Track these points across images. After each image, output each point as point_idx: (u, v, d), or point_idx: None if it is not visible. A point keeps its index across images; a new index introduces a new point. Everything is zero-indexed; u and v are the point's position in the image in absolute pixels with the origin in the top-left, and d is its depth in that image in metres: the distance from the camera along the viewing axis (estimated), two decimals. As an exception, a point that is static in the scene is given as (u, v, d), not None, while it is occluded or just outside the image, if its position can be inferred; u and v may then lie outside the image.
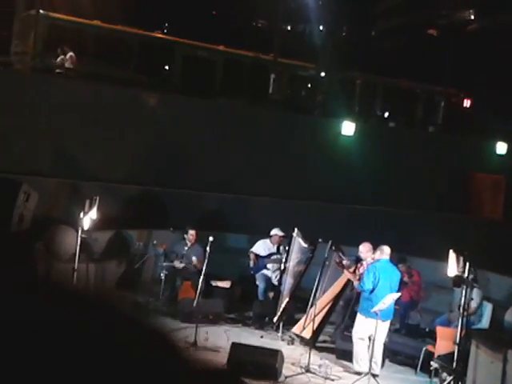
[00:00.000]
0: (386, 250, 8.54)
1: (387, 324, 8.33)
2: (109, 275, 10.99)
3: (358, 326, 8.34)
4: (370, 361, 8.00)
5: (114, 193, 12.09)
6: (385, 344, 8.81)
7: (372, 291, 8.26)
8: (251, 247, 11.15)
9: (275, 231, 11.03)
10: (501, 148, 16.25)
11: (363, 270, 8.67)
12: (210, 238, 8.95)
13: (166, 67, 19.43)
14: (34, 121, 12.75)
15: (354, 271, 8.80)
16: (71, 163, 12.77)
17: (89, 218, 8.26)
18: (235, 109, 15.69)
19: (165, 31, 21.42)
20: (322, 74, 20.57)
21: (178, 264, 10.56)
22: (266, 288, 10.76)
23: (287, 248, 10.29)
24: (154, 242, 10.53)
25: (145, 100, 14.38)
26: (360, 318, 8.38)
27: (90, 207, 8.26)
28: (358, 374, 8.08)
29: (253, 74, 18.98)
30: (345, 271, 9.01)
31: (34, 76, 14.45)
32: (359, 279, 8.51)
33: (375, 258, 8.56)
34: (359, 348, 8.28)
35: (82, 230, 8.20)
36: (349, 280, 8.95)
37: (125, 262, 11.30)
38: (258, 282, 10.86)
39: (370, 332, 8.13)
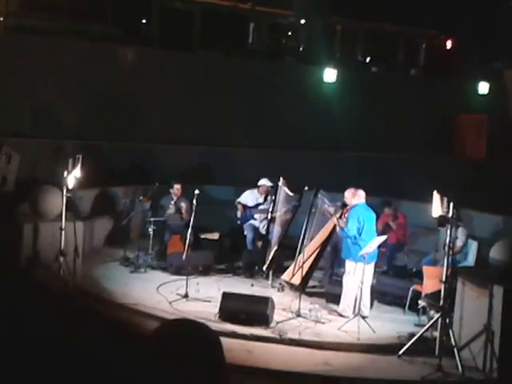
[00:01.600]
0: (361, 194, 8.64)
1: (372, 266, 8.46)
2: (97, 233, 11.04)
3: (351, 273, 8.45)
4: (359, 304, 8.15)
5: (98, 151, 12.00)
6: (373, 286, 8.97)
7: (359, 235, 8.36)
8: (238, 198, 11.20)
9: (263, 181, 11.07)
10: (483, 88, 16.22)
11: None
12: (196, 191, 8.97)
13: (143, 21, 19.06)
14: (9, 81, 12.53)
15: (341, 217, 8.87)
16: (52, 123, 12.62)
17: (73, 176, 8.21)
18: (215, 60, 15.48)
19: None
20: (302, 22, 20.28)
21: (169, 211, 10.59)
22: (254, 238, 10.85)
23: (274, 198, 10.34)
24: (140, 197, 10.52)
25: (123, 54, 14.14)
26: (350, 264, 8.48)
27: (74, 166, 8.20)
28: (344, 317, 8.26)
29: (231, 24, 18.67)
30: (332, 217, 9.08)
31: (8, 35, 14.12)
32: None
33: (352, 203, 8.62)
34: (349, 294, 8.42)
35: (67, 189, 8.16)
36: (335, 226, 9.04)
37: (112, 219, 11.33)
38: (245, 232, 10.94)
39: (360, 276, 8.26)
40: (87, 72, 13.33)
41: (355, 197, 8.63)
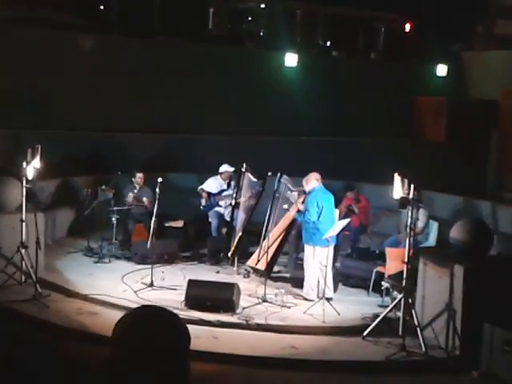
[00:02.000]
0: (317, 177, 8.67)
1: (332, 248, 8.54)
2: (59, 224, 10.90)
3: (310, 257, 8.51)
4: (324, 286, 8.24)
5: (58, 140, 11.81)
6: (336, 268, 9.08)
7: (317, 220, 8.42)
8: (201, 186, 11.17)
9: (224, 167, 11.07)
10: (441, 70, 16.42)
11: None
12: (159, 179, 8.91)
13: (101, 7, 18.75)
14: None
15: (302, 202, 8.91)
16: (9, 113, 12.35)
17: (32, 167, 8.06)
18: (175, 46, 15.33)
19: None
20: (262, 6, 20.22)
21: (129, 199, 10.53)
22: (218, 224, 10.85)
23: (237, 183, 10.35)
24: (103, 187, 10.41)
25: (81, 42, 13.89)
26: (309, 249, 8.54)
27: (33, 156, 8.06)
28: (309, 300, 8.35)
29: (191, 10, 18.50)
30: (295, 203, 9.12)
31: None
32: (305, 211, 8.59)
33: (309, 187, 8.65)
34: (312, 278, 8.49)
35: (26, 180, 8.02)
36: (299, 210, 9.09)
37: (74, 210, 11.20)
38: (210, 219, 10.93)
39: (323, 260, 8.34)
40: (46, 60, 13.08)
41: (311, 181, 8.65)
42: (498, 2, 22.37)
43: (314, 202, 8.48)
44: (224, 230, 10.68)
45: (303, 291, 8.60)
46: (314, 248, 8.43)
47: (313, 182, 8.64)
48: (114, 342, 1.84)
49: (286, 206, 9.28)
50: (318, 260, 8.39)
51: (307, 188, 8.67)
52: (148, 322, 1.86)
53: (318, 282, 8.32)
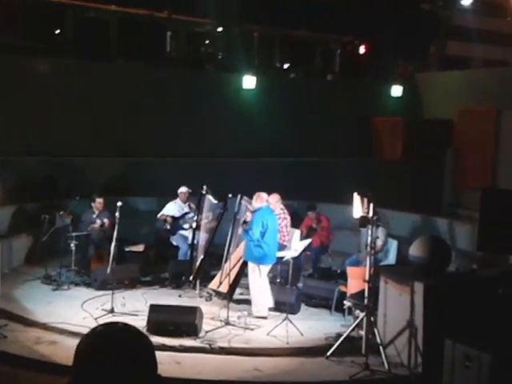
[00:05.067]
0: (265, 197, 8.75)
1: (270, 266, 8.72)
2: (16, 251, 10.66)
3: (255, 276, 8.55)
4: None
5: (13, 166, 11.61)
6: (299, 289, 9.09)
7: (261, 238, 8.45)
8: (161, 209, 11.08)
9: (182, 189, 11.07)
10: (396, 90, 16.78)
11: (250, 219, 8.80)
12: (119, 204, 8.80)
13: (57, 31, 18.65)
14: None
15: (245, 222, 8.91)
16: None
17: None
18: (133, 70, 15.30)
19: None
20: (219, 29, 20.38)
21: (95, 226, 10.38)
22: (187, 249, 10.72)
23: (198, 206, 10.30)
24: (61, 212, 10.24)
25: (36, 67, 13.74)
26: (253, 267, 8.57)
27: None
28: (263, 318, 8.41)
29: (148, 33, 18.54)
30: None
31: None
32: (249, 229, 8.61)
33: (255, 206, 8.72)
34: (260, 295, 8.54)
35: (-19, 207, 7.85)
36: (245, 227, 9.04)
37: (31, 237, 10.97)
38: (177, 244, 10.81)
39: (266, 277, 8.45)
40: (0, 84, 12.89)
41: (258, 200, 8.71)
42: (449, 23, 23.02)
43: (259, 220, 8.51)
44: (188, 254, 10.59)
45: (253, 311, 8.57)
46: (259, 266, 8.48)
47: (263, 200, 8.71)
48: (74, 364, 1.78)
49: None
50: (263, 276, 8.50)
51: (256, 205, 8.71)
52: (111, 339, 1.80)
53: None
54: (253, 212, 8.78)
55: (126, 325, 1.86)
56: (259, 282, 8.54)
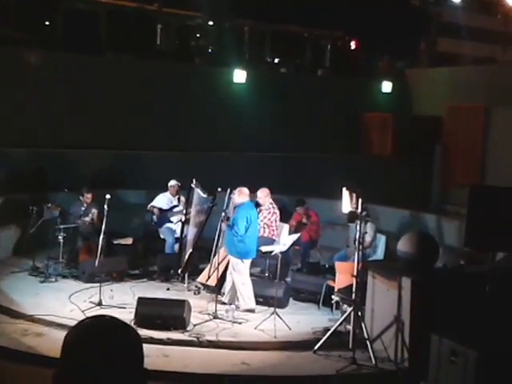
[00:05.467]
0: (247, 192, 8.75)
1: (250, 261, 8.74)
2: (3, 243, 10.61)
3: (240, 270, 8.57)
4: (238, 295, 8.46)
5: (1, 157, 11.54)
6: (288, 283, 9.11)
7: (245, 233, 8.46)
8: (151, 203, 11.07)
9: (172, 182, 11.04)
10: (386, 87, 16.83)
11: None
12: (107, 196, 8.78)
13: (47, 23, 18.52)
14: None
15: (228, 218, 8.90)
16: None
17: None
18: (123, 63, 15.23)
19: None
20: (210, 23, 20.33)
21: (86, 219, 10.32)
22: (173, 242, 10.72)
23: (187, 199, 10.29)
24: (49, 204, 10.18)
25: (27, 59, 13.65)
26: (236, 261, 8.59)
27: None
28: (251, 311, 8.45)
29: (139, 26, 18.45)
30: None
31: None
32: (233, 224, 8.61)
33: (238, 201, 8.71)
34: (246, 289, 8.56)
35: (-31, 198, 7.80)
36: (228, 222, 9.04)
37: (19, 228, 10.91)
38: (163, 236, 10.80)
39: (248, 271, 8.52)
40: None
41: (240, 195, 8.71)
42: (440, 20, 23.07)
43: (244, 216, 8.51)
44: (176, 247, 10.59)
45: (240, 304, 8.58)
46: (242, 261, 8.50)
47: (245, 195, 8.71)
48: (61, 356, 1.78)
49: None
50: (246, 270, 8.55)
51: (239, 200, 8.70)
52: (98, 332, 1.81)
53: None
54: (235, 207, 8.77)
55: (113, 318, 1.86)
56: (242, 275, 8.56)
